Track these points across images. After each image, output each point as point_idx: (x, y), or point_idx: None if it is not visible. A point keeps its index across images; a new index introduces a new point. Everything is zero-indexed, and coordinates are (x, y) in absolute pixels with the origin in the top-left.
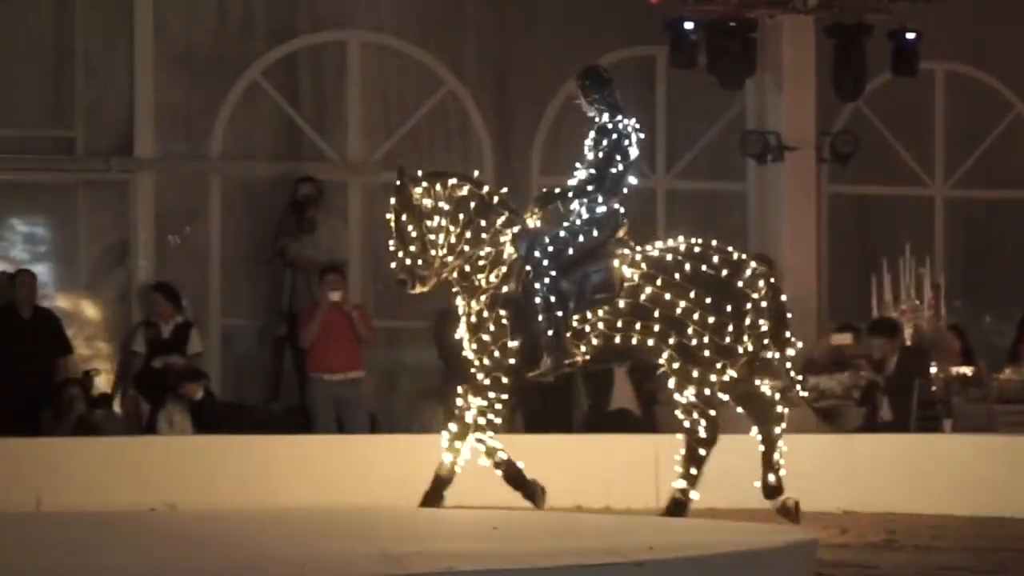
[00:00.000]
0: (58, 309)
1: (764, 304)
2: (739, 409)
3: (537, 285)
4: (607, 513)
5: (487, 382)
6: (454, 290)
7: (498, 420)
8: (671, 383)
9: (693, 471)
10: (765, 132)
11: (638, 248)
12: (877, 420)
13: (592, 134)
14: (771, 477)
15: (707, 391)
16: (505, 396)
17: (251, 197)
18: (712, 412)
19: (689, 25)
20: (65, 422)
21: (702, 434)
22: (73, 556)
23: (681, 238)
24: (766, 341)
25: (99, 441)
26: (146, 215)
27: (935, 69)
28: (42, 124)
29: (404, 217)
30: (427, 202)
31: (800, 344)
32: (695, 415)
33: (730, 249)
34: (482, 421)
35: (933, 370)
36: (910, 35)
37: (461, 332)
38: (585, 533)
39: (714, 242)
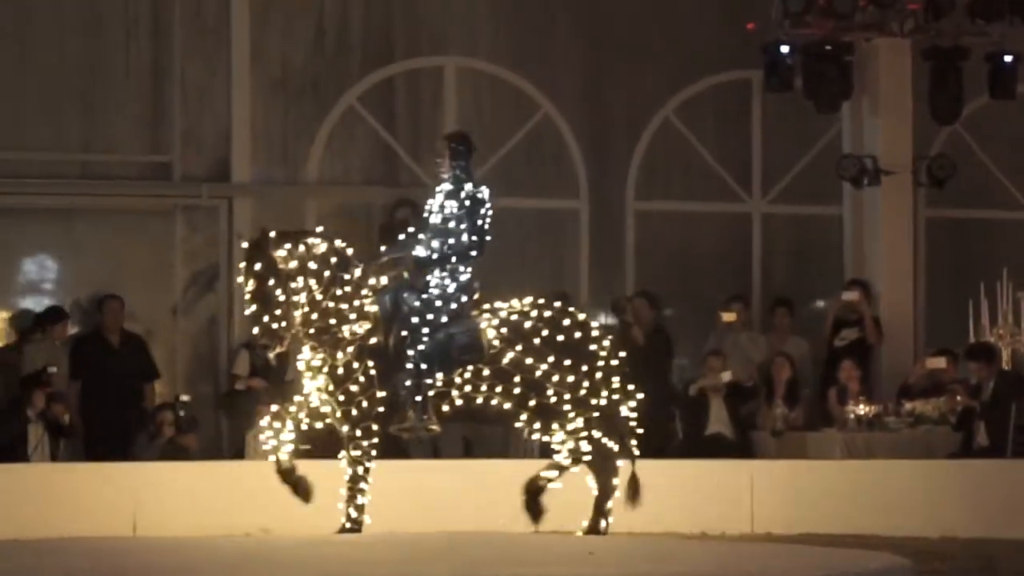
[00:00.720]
0: (149, 333)
1: (613, 362)
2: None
3: (411, 352)
4: (702, 538)
5: (358, 433)
6: (309, 344)
7: (371, 464)
8: (539, 437)
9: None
10: (861, 156)
11: (487, 307)
12: (973, 445)
13: (459, 202)
14: (602, 523)
15: (571, 428)
16: (376, 442)
17: (347, 222)
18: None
19: (785, 49)
20: (155, 446)
21: (612, 446)
22: None
23: (528, 299)
24: (616, 396)
25: (193, 465)
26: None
27: None
28: (139, 149)
29: (271, 282)
30: (293, 264)
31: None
32: (585, 444)
33: (572, 309)
34: (360, 471)
35: None
36: (1008, 58)
37: (319, 384)
38: (681, 558)
39: (557, 304)
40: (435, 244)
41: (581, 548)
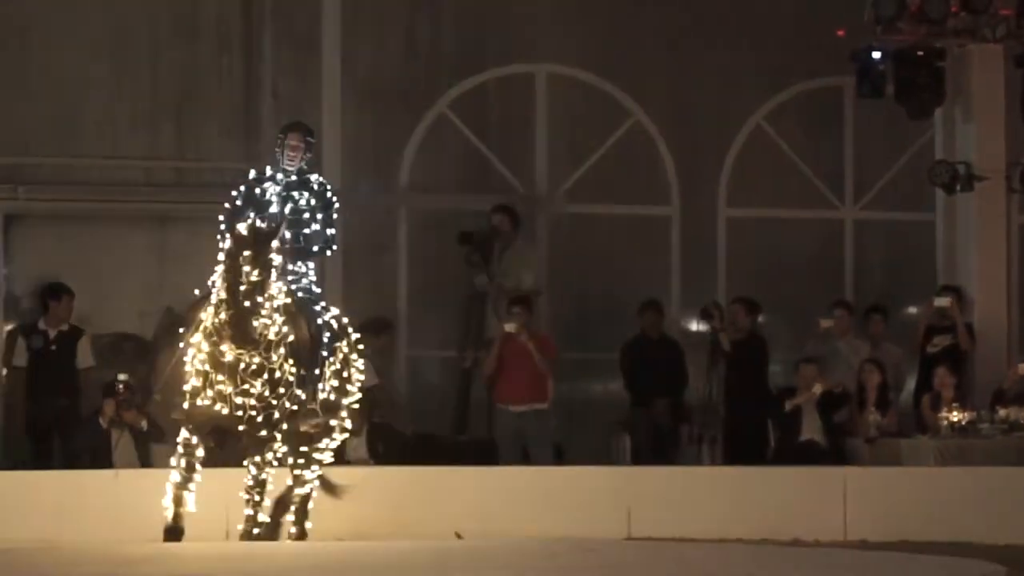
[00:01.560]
0: None
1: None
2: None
3: (325, 343)
4: (795, 545)
5: (277, 436)
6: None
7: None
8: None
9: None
10: (954, 162)
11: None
12: None
13: (315, 195)
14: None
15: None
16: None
17: (438, 228)
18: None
19: (877, 55)
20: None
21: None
22: None
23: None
24: None
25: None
26: None
27: None
28: (232, 158)
29: (272, 277)
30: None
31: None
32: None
33: None
34: (267, 476)
35: None
36: None
37: (256, 388)
38: (773, 566)
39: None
40: (287, 235)
41: (675, 554)
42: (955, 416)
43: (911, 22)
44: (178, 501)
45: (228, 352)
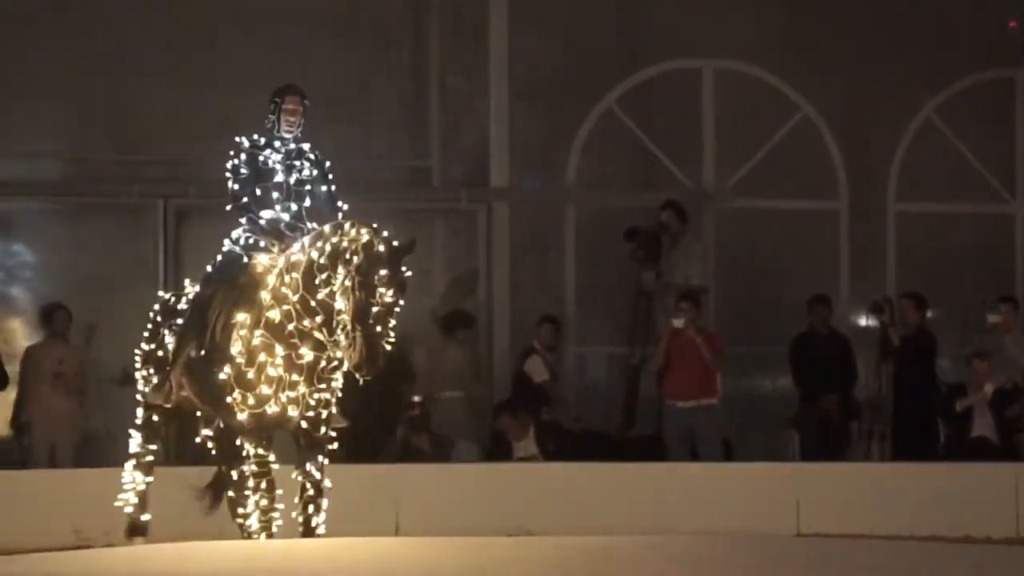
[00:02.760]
0: (410, 338)
1: None
2: None
3: None
4: (966, 542)
5: (332, 434)
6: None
7: None
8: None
9: None
10: None
11: None
12: None
13: (314, 165)
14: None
15: None
16: None
17: (605, 225)
18: None
19: None
20: (396, 448)
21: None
22: None
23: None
24: None
25: (456, 468)
26: (501, 244)
27: None
28: (399, 155)
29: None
30: None
31: None
32: None
33: None
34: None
35: None
36: None
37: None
38: (941, 564)
39: None
40: (293, 207)
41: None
42: None
43: None
44: (267, 527)
45: (307, 352)
